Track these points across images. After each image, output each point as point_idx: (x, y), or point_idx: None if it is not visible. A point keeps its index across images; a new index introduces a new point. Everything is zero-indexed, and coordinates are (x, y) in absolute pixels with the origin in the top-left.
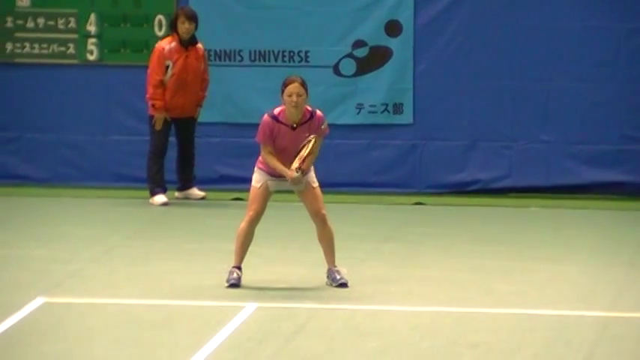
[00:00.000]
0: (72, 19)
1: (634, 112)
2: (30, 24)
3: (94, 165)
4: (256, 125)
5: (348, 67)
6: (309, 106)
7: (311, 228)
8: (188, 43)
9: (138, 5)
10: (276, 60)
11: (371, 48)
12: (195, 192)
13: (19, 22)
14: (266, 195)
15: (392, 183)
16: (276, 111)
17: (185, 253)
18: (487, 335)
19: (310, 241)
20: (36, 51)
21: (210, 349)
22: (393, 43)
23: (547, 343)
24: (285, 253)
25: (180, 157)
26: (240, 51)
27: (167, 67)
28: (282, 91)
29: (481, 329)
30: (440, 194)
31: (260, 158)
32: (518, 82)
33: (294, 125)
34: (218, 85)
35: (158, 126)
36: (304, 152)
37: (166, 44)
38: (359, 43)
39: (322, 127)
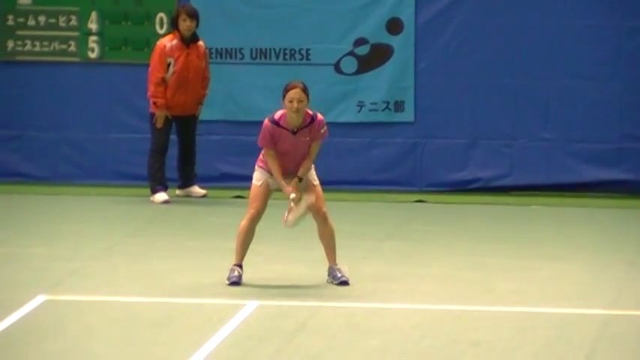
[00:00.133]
0: (73, 17)
1: (635, 110)
2: (31, 22)
3: (95, 163)
4: (257, 123)
5: (349, 65)
6: (310, 109)
7: (312, 226)
8: (189, 41)
9: (139, 3)
10: (277, 58)
11: (372, 46)
12: (196, 190)
13: (20, 19)
14: (267, 193)
15: (393, 181)
16: (277, 115)
17: (186, 251)
18: (488, 333)
19: (311, 239)
20: (37, 49)
21: (211, 347)
22: (394, 41)
23: (548, 341)
24: (286, 251)
25: (181, 154)
26: (241, 49)
27: (168, 64)
28: (284, 96)
29: (482, 327)
30: (441, 192)
31: (261, 156)
32: (520, 80)
33: (295, 130)
34: (219, 83)
35: (159, 124)
36: (295, 213)
37: (168, 42)
38: (360, 41)
39: (321, 130)
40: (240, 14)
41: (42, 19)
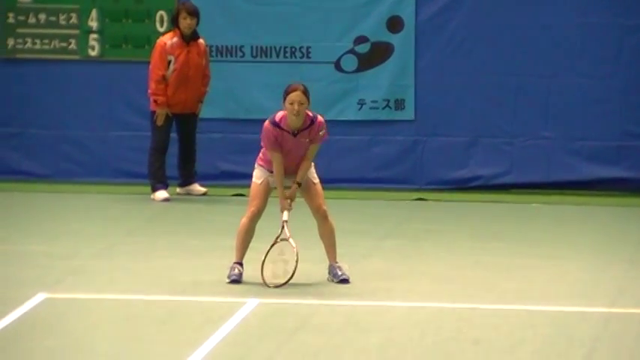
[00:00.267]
0: (73, 15)
1: (635, 108)
2: (31, 20)
3: (95, 161)
4: (258, 121)
5: (350, 63)
6: (311, 111)
7: (312, 224)
8: (190, 39)
9: (139, 1)
10: (277, 56)
11: (372, 44)
12: (197, 188)
13: (21, 17)
14: (267, 191)
15: (393, 179)
16: (278, 117)
17: (186, 248)
18: (488, 331)
19: (311, 237)
20: (37, 47)
21: (212, 344)
22: (394, 39)
23: (548, 339)
24: None
25: (181, 153)
26: (241, 47)
27: (169, 62)
28: (284, 98)
29: (482, 325)
30: (441, 190)
31: (260, 155)
32: (520, 78)
33: (295, 132)
34: (219, 81)
35: (160, 122)
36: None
37: (168, 39)
38: (360, 39)
39: (320, 133)
40: (241, 12)
41: (42, 17)
